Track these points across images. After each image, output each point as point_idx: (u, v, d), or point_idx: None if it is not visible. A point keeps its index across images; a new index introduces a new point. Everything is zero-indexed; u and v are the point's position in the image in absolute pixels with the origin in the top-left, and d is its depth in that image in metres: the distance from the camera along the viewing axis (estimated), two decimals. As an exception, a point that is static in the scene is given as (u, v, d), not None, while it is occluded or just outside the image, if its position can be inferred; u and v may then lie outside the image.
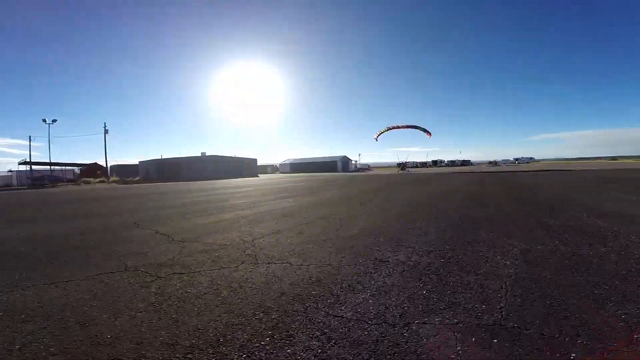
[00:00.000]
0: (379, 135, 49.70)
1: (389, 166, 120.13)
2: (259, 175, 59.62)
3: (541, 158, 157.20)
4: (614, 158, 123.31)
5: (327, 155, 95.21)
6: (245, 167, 60.62)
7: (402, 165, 69.29)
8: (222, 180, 38.23)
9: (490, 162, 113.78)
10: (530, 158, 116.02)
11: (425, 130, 48.61)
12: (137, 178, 57.20)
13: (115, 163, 77.37)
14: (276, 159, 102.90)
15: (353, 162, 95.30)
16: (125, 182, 44.89)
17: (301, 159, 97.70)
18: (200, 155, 56.76)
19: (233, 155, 61.14)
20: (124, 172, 65.00)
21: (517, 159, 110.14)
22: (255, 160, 68.01)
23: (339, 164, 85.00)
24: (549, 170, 34.73)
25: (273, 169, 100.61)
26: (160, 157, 59.17)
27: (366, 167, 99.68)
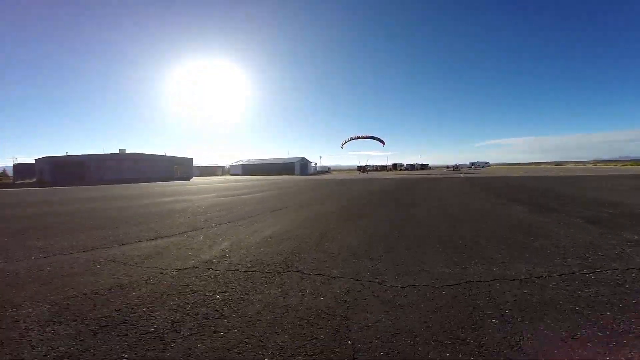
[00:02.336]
0: (344, 144, 53.66)
1: (349, 169, 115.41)
2: (192, 177, 49.99)
3: (492, 162, 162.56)
4: (558, 163, 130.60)
5: (284, 157, 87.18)
6: (177, 168, 50.38)
7: (362, 168, 69.78)
8: (134, 185, 28.60)
9: (448, 167, 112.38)
10: (486, 162, 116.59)
11: (380, 140, 53.24)
12: (33, 180, 45.52)
13: (18, 162, 63.48)
14: (234, 160, 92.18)
15: (313, 164, 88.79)
16: (8, 186, 34.11)
17: (256, 160, 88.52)
18: (118, 152, 45.41)
19: (163, 154, 50.28)
20: (31, 172, 53.01)
21: (473, 163, 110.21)
22: (190, 160, 57.45)
23: (297, 166, 77.52)
24: (538, 176, 30.09)
25: (223, 171, 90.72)
26: (65, 154, 46.82)
27: (326, 170, 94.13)
